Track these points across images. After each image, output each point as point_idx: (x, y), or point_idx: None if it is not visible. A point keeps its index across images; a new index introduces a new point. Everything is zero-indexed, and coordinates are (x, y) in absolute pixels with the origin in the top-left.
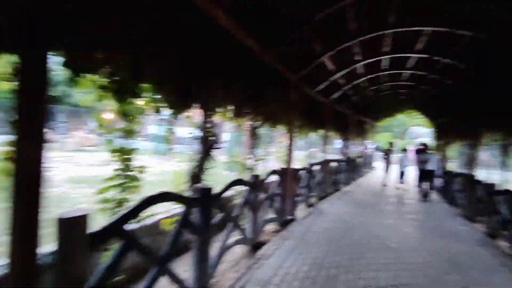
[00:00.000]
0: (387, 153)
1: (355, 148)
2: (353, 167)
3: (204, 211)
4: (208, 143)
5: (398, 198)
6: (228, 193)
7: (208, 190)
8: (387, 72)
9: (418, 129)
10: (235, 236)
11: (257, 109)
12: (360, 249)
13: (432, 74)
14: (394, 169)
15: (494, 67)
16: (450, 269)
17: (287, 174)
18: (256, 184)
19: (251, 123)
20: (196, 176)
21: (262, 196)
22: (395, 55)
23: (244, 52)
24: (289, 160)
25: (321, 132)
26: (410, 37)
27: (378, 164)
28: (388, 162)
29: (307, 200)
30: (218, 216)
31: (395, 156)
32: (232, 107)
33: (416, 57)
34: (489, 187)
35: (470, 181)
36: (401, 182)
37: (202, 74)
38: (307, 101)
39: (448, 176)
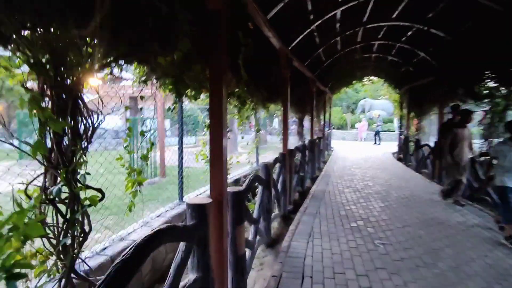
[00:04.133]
0: None
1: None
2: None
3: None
4: None
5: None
6: None
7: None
8: (360, 45)
9: (369, 102)
10: None
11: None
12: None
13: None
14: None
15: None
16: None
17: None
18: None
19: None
20: None
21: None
22: (371, 25)
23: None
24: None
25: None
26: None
27: (335, 144)
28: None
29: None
30: None
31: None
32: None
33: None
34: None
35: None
36: None
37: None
38: (296, 76)
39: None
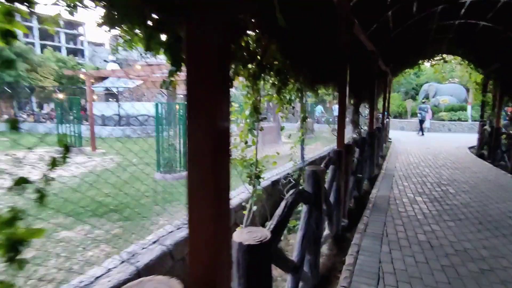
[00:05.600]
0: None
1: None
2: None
3: None
4: None
5: None
6: None
7: None
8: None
9: (434, 86)
10: None
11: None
12: None
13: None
14: None
15: None
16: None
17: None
18: None
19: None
20: None
21: None
22: None
23: None
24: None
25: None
26: None
27: (393, 134)
28: None
29: None
30: None
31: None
32: None
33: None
34: None
35: None
36: None
37: None
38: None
39: None
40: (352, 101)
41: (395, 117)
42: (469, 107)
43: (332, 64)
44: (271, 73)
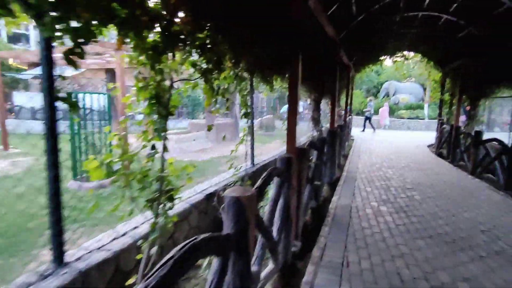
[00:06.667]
0: None
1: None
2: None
3: None
4: None
5: None
6: None
7: None
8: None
9: (394, 85)
10: None
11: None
12: None
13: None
14: None
15: None
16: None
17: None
18: None
19: None
20: None
21: None
22: None
23: None
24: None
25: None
26: None
27: (355, 132)
28: None
29: None
30: None
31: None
32: None
33: None
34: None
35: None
36: None
37: None
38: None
39: None
40: (312, 96)
41: (357, 114)
42: (426, 106)
43: (286, 47)
44: (189, 48)
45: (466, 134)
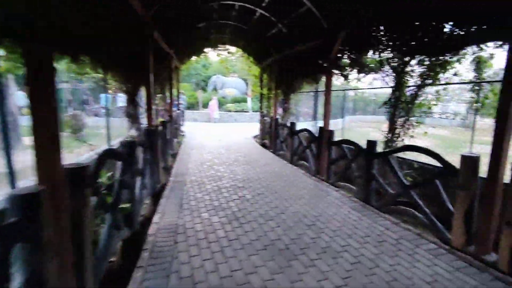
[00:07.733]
0: None
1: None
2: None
3: None
4: None
5: None
6: None
7: None
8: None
9: (221, 79)
10: None
11: None
12: None
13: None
14: None
15: None
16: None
17: None
18: None
19: None
20: None
21: None
22: None
23: None
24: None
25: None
26: None
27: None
28: None
29: None
30: None
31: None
32: None
33: None
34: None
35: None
36: None
37: None
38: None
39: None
40: (124, 88)
41: (188, 108)
42: (249, 99)
43: None
44: None
45: (282, 125)
